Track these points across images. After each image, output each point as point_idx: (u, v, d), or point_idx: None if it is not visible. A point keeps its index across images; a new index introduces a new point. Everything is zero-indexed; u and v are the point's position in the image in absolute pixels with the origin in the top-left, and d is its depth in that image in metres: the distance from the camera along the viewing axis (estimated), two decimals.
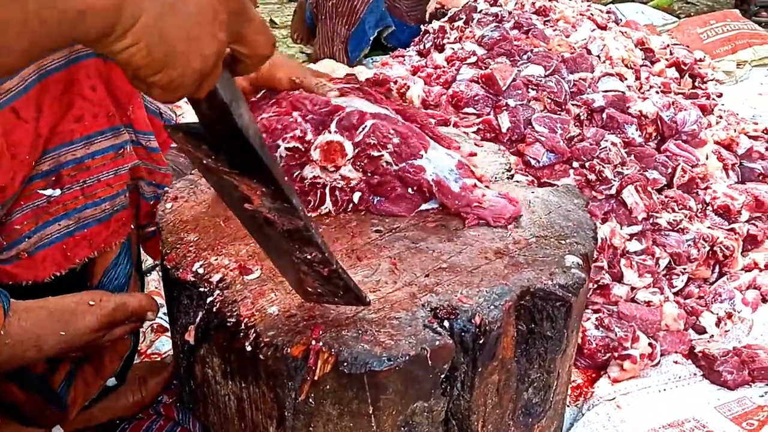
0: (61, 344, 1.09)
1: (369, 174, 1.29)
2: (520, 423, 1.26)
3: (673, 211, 1.99)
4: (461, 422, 1.15)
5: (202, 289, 1.15)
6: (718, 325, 1.82)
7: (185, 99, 0.74)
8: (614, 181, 1.95)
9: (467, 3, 2.76)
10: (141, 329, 1.73)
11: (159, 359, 1.71)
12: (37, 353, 1.06)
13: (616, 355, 1.69)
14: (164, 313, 1.69)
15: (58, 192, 1.16)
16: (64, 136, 1.17)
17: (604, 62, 2.30)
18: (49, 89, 1.13)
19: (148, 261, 2.11)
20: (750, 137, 2.37)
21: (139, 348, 1.78)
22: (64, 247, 1.19)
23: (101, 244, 1.23)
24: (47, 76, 1.13)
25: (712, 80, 2.72)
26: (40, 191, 1.14)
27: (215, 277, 1.16)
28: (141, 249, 1.44)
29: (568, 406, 1.60)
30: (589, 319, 1.75)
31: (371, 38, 3.68)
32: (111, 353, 1.33)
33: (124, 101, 1.26)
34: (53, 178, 1.16)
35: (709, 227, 2.01)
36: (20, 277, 1.15)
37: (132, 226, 1.30)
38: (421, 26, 2.82)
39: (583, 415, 1.57)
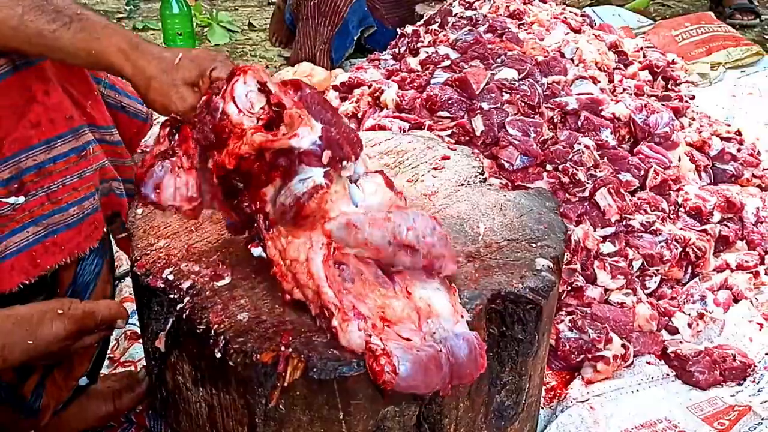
0: (28, 353, 1.07)
1: None
2: (492, 426, 1.27)
3: (646, 212, 2.01)
4: (433, 426, 1.16)
5: (172, 296, 1.14)
6: (690, 325, 1.84)
7: None
8: (587, 183, 1.96)
9: (443, 6, 2.78)
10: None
11: (134, 369, 1.70)
12: (2, 363, 1.05)
13: (589, 356, 1.70)
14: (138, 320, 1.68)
15: (22, 199, 1.15)
16: (22, 143, 1.16)
17: (577, 65, 2.31)
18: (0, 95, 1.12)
19: (123, 266, 2.10)
20: (722, 139, 2.40)
21: (112, 355, 1.77)
22: (33, 255, 1.17)
23: (74, 249, 1.22)
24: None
25: (684, 83, 2.75)
26: (3, 199, 1.13)
27: (185, 284, 1.16)
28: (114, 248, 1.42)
29: (542, 407, 1.61)
30: (562, 321, 1.76)
31: (354, 38, 3.67)
32: (80, 354, 1.32)
33: (82, 99, 1.25)
34: (15, 186, 1.15)
35: (681, 229, 2.03)
36: None
37: (105, 229, 1.28)
38: (398, 29, 2.82)
39: (556, 416, 1.58)
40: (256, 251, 1.15)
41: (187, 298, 1.13)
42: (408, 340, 1.03)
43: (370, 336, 1.00)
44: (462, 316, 1.09)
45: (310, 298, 1.06)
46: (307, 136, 1.05)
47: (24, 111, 1.16)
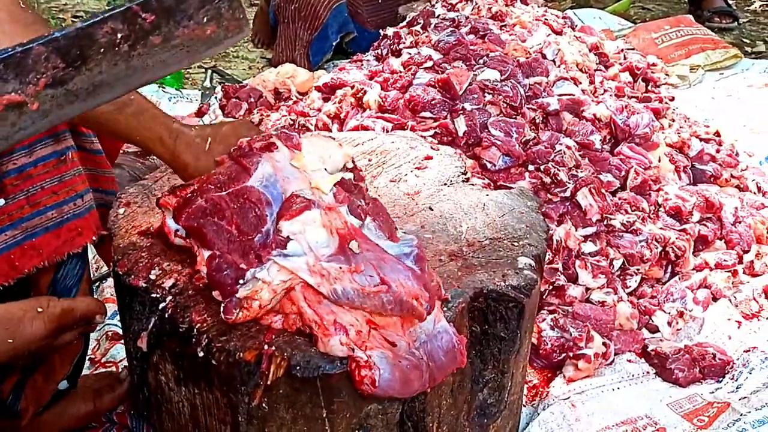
0: (8, 352, 1.07)
1: None
2: (475, 423, 1.28)
3: (627, 212, 2.03)
4: (416, 424, 1.16)
5: (154, 295, 1.14)
6: (670, 324, 1.86)
7: None
8: (569, 183, 1.98)
9: (425, 8, 2.78)
10: (93, 334, 1.71)
11: (115, 370, 1.69)
12: None
13: (571, 355, 1.71)
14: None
15: (2, 202, 1.14)
16: None
17: (559, 67, 2.33)
18: None
19: (105, 267, 2.09)
20: (701, 140, 2.42)
21: (93, 356, 1.75)
22: (12, 257, 1.16)
23: (52, 254, 1.21)
24: None
25: (664, 84, 2.78)
26: None
27: (168, 283, 1.15)
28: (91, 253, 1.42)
29: (524, 405, 1.62)
30: (544, 319, 1.77)
31: (334, 44, 3.67)
32: (61, 357, 1.31)
33: None
34: None
35: (661, 228, 2.05)
36: None
37: (95, 237, 1.28)
38: (380, 31, 2.83)
39: (538, 414, 1.59)
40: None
41: (170, 297, 1.13)
42: (393, 345, 1.03)
43: (353, 350, 1.01)
44: (443, 314, 1.10)
45: (291, 320, 1.07)
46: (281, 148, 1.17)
47: None
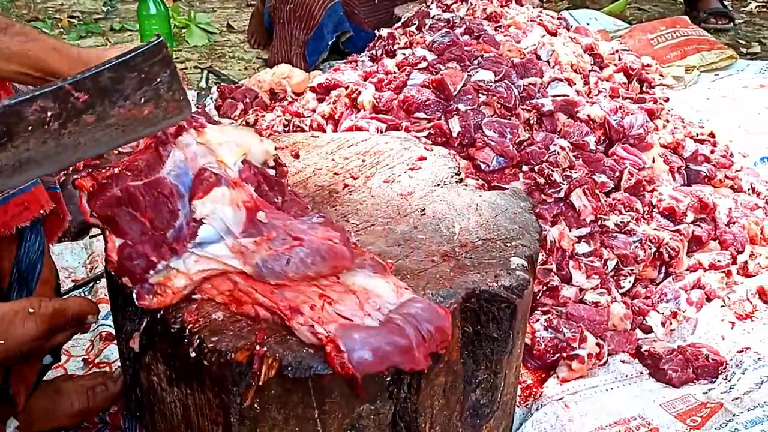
0: (0, 354, 1.07)
1: None
2: (468, 424, 1.28)
3: (621, 213, 2.03)
4: (409, 425, 1.16)
5: None
6: (663, 324, 1.86)
7: None
8: (563, 184, 1.98)
9: (421, 9, 2.78)
10: (86, 334, 1.70)
11: (108, 370, 1.69)
12: None
13: (564, 355, 1.72)
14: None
15: None
16: None
17: (553, 67, 2.33)
18: None
19: (99, 267, 2.09)
20: (696, 140, 2.43)
21: (87, 356, 1.75)
22: None
23: (1, 227, 1.20)
24: None
25: (659, 85, 2.78)
26: None
27: None
28: None
29: (518, 406, 1.63)
30: (538, 320, 1.77)
31: (329, 43, 3.68)
32: None
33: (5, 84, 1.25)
34: None
35: (655, 229, 2.05)
36: None
37: (44, 210, 1.27)
38: (376, 32, 2.83)
39: (531, 414, 1.60)
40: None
41: None
42: (349, 320, 1.04)
43: (313, 325, 1.02)
44: (406, 289, 1.11)
45: (268, 308, 1.08)
46: None
47: None
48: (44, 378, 1.42)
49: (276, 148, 1.23)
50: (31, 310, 1.09)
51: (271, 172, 1.20)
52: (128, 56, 0.89)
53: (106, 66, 0.87)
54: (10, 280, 1.25)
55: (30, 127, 0.81)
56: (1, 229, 1.20)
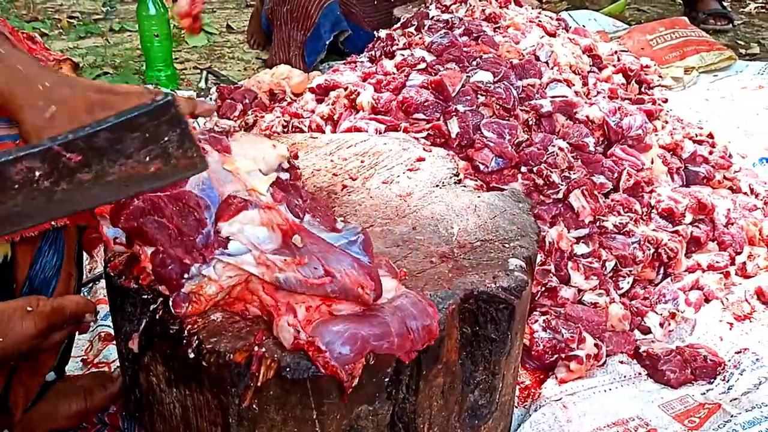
0: None
1: None
2: (466, 425, 1.28)
3: (619, 214, 2.04)
4: (407, 425, 1.16)
5: (145, 297, 1.14)
6: (662, 325, 1.86)
7: None
8: (561, 185, 1.98)
9: (420, 10, 2.79)
10: (86, 335, 1.70)
11: (107, 370, 1.69)
12: None
13: (563, 356, 1.72)
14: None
15: None
16: None
17: (552, 68, 2.34)
18: None
19: (98, 269, 2.09)
20: (694, 141, 2.43)
21: (86, 357, 1.75)
22: None
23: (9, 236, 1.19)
24: None
25: (658, 86, 2.78)
26: None
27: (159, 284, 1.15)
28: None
29: (516, 407, 1.63)
30: (536, 321, 1.78)
31: (327, 42, 3.68)
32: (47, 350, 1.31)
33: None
34: None
35: (653, 230, 2.06)
36: None
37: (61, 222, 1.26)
38: (375, 32, 2.84)
39: (530, 415, 1.60)
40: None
41: (161, 299, 1.13)
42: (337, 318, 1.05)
43: (299, 332, 1.02)
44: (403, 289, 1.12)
45: (261, 308, 1.10)
46: None
47: None
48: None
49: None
50: (29, 308, 1.09)
51: (284, 175, 1.20)
52: (128, 116, 0.81)
53: (103, 126, 0.80)
54: (21, 290, 1.25)
55: (17, 186, 0.76)
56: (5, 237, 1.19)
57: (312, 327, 1.02)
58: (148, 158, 0.83)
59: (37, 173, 0.77)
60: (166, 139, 0.83)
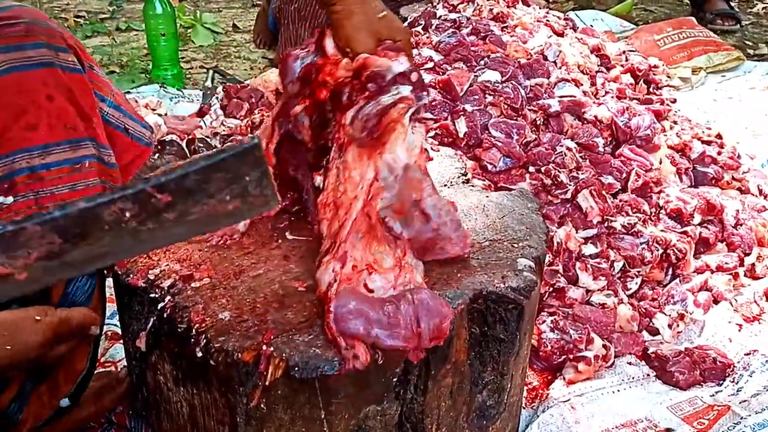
0: (6, 359, 1.06)
1: None
2: (474, 425, 1.27)
3: (628, 214, 2.03)
4: (415, 426, 1.16)
5: (153, 295, 1.14)
6: (670, 326, 1.85)
7: None
8: (570, 185, 1.97)
9: (427, 9, 2.78)
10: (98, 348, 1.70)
11: (114, 369, 1.68)
12: None
13: (571, 357, 1.71)
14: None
15: (10, 200, 1.14)
16: (17, 143, 1.15)
17: (560, 68, 2.33)
18: None
19: None
20: (703, 142, 2.42)
21: None
22: None
23: None
24: None
25: (666, 86, 2.77)
26: None
27: (166, 283, 1.15)
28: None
29: (524, 407, 1.62)
30: (544, 321, 1.77)
31: None
32: (66, 373, 1.30)
33: (90, 113, 1.25)
34: (6, 186, 1.14)
35: (662, 230, 2.04)
36: None
37: None
38: None
39: (538, 416, 1.59)
40: (318, 179, 1.24)
41: (168, 297, 1.13)
42: (371, 291, 1.09)
43: (335, 281, 1.08)
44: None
45: (330, 234, 1.14)
46: (404, 62, 1.17)
47: (22, 112, 1.16)
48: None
49: None
50: (37, 318, 1.09)
51: None
52: (219, 158, 0.83)
53: (194, 168, 0.82)
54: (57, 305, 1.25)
55: (106, 227, 0.79)
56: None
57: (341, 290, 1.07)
58: (228, 197, 0.84)
59: (128, 214, 0.79)
60: (247, 179, 0.85)
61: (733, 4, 4.51)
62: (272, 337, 1.04)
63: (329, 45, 1.22)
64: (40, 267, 0.77)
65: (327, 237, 1.16)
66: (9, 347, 1.06)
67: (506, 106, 2.10)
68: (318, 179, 1.23)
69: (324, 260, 1.12)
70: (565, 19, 2.82)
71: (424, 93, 1.17)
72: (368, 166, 1.15)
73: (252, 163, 0.85)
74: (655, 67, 2.73)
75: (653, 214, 2.09)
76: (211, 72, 3.72)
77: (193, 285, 1.15)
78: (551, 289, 1.86)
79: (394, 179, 1.15)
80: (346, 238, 1.11)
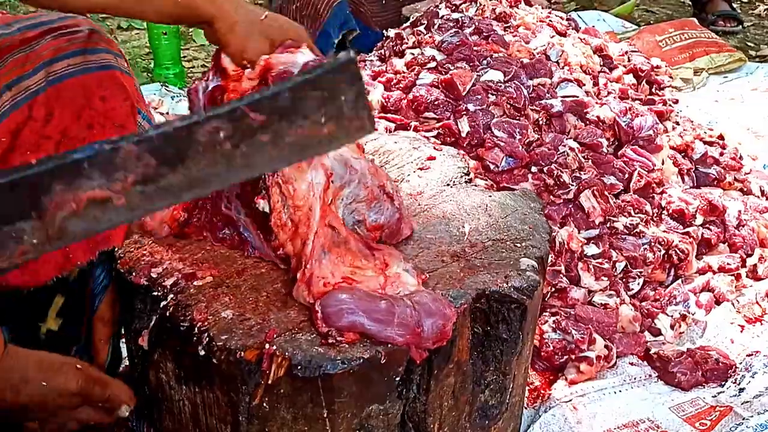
0: (37, 396, 1.07)
1: None
2: (476, 425, 1.27)
3: (630, 215, 2.02)
4: (417, 425, 1.16)
5: (155, 294, 1.14)
6: (672, 327, 1.85)
7: None
8: (572, 185, 1.97)
9: (429, 9, 2.78)
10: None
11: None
12: (13, 396, 1.04)
13: (573, 357, 1.71)
14: None
15: None
16: (77, 142, 1.20)
17: (562, 68, 2.33)
18: (60, 94, 1.19)
19: None
20: (705, 143, 2.42)
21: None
22: (68, 250, 1.19)
23: (100, 245, 1.24)
24: (58, 81, 1.20)
25: (668, 87, 2.77)
26: None
27: (169, 281, 1.15)
28: None
29: (525, 408, 1.62)
30: (546, 321, 1.76)
31: (336, 41, 3.66)
32: None
33: (136, 111, 1.30)
34: None
35: (664, 231, 2.04)
36: (21, 281, 1.16)
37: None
38: (384, 31, 2.83)
39: (540, 416, 1.59)
40: (261, 203, 1.16)
41: (171, 296, 1.13)
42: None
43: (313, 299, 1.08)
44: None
45: (295, 252, 1.12)
46: (306, 52, 1.19)
47: (81, 112, 1.22)
48: None
49: None
50: (78, 366, 1.11)
51: None
52: (314, 74, 0.79)
53: (288, 85, 0.79)
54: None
55: (201, 149, 0.76)
56: (100, 247, 1.24)
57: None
58: (323, 119, 0.80)
59: (222, 134, 0.76)
60: (342, 98, 0.80)
61: (735, 5, 4.51)
62: (275, 336, 1.04)
63: (226, 62, 1.23)
64: (137, 192, 0.73)
65: (293, 257, 1.13)
66: (44, 384, 1.07)
67: (509, 106, 2.09)
68: (261, 203, 1.15)
69: (297, 278, 1.11)
70: (567, 19, 2.82)
71: None
72: (315, 171, 1.12)
73: (348, 80, 0.80)
74: (658, 67, 2.72)
75: (655, 214, 2.09)
76: None
77: (195, 283, 1.15)
78: (553, 289, 1.86)
79: (350, 172, 1.15)
80: (311, 255, 1.09)
